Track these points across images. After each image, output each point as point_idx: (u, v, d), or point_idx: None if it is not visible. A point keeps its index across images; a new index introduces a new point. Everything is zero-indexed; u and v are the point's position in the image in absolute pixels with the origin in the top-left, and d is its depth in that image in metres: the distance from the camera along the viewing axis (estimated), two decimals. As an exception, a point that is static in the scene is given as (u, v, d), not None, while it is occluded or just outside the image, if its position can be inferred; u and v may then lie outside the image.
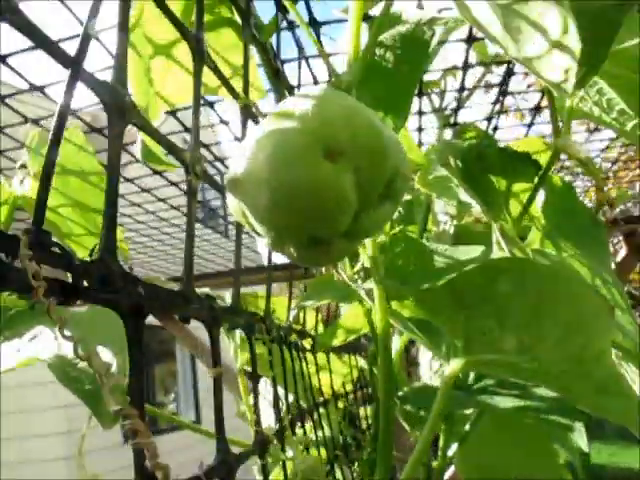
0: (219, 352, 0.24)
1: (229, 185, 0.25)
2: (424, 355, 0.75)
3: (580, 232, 0.66)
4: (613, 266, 2.19)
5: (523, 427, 0.70)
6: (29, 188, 0.72)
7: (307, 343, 0.55)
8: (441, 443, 0.65)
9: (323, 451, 0.56)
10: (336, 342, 0.53)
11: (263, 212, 0.23)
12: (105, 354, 0.52)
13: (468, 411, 0.68)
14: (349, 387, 0.78)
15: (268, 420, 0.66)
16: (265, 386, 0.77)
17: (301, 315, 0.51)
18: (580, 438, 0.52)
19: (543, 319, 0.22)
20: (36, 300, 0.14)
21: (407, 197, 0.77)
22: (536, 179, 0.57)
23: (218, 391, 0.24)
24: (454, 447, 0.65)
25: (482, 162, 0.55)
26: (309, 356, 0.59)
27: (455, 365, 0.28)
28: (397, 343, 0.69)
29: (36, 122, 0.73)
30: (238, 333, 0.57)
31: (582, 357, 0.22)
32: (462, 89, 0.76)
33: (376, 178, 0.24)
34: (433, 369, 0.73)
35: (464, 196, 0.64)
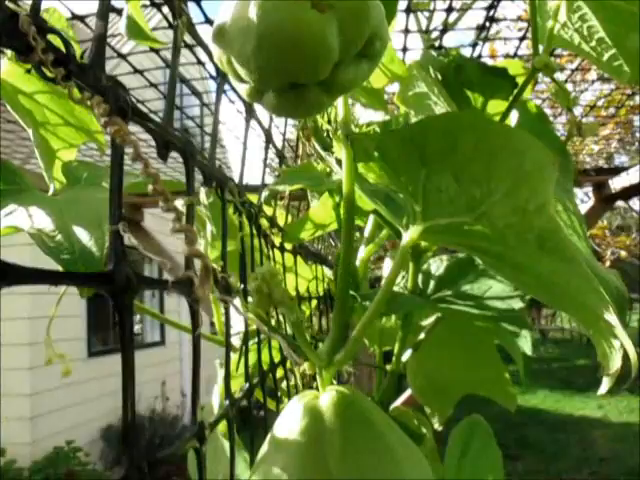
0: (193, 181, 0.26)
1: (216, 34, 0.26)
2: (387, 269, 0.77)
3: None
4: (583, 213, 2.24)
5: (474, 342, 0.74)
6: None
7: (276, 238, 0.57)
8: (396, 349, 0.68)
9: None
10: (305, 235, 0.54)
11: (248, 56, 0.24)
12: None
13: (425, 322, 0.71)
14: (313, 297, 0.81)
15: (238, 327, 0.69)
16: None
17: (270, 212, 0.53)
18: (525, 344, 0.56)
19: (494, 174, 0.24)
20: (38, 65, 0.16)
21: (385, 118, 0.78)
22: (511, 98, 0.58)
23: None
24: (408, 353, 0.69)
25: (460, 75, 0.56)
26: (277, 254, 0.61)
27: (413, 232, 0.30)
28: (363, 252, 0.72)
29: None
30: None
31: (526, 209, 0.24)
32: (450, 9, 0.76)
33: (357, 34, 0.25)
34: (397, 282, 0.75)
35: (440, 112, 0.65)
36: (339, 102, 0.34)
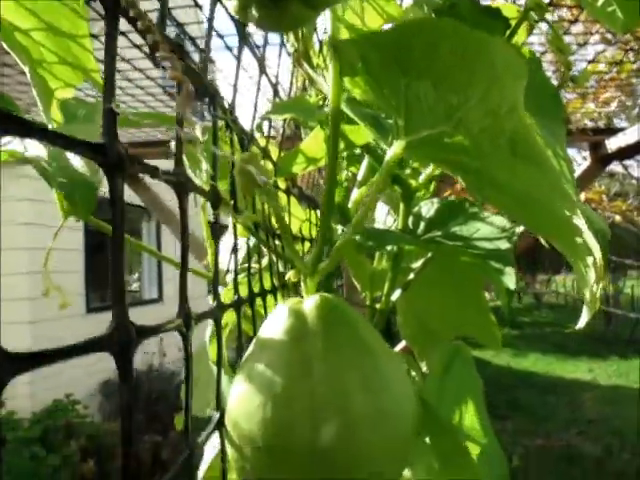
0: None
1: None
2: (380, 212, 0.79)
3: (540, 104, 0.68)
4: (579, 172, 2.27)
5: (462, 284, 0.76)
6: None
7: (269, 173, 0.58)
8: (385, 289, 0.70)
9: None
10: (297, 169, 0.55)
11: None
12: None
13: (415, 265, 0.73)
14: (306, 239, 0.82)
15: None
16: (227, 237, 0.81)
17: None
18: (509, 280, 0.58)
19: (471, 80, 0.25)
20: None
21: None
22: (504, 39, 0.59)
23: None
24: (397, 293, 0.70)
25: (454, 13, 0.56)
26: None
27: (397, 146, 0.31)
28: (355, 194, 0.73)
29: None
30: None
31: (497, 112, 0.25)
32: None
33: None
34: (387, 224, 0.77)
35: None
36: (328, 18, 0.35)
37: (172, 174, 0.24)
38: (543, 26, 0.72)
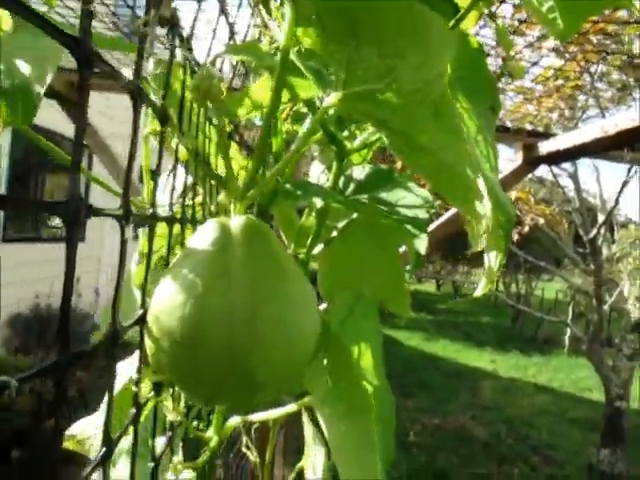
0: None
1: None
2: (315, 170, 0.83)
3: (477, 92, 0.74)
4: (509, 171, 2.40)
5: (381, 249, 0.81)
6: None
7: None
8: (309, 241, 0.74)
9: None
10: (242, 113, 0.58)
11: None
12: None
13: (340, 224, 0.77)
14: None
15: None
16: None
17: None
18: (421, 244, 0.63)
19: (411, 48, 0.29)
20: None
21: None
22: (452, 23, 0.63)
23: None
24: (320, 247, 0.75)
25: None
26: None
27: (334, 97, 0.34)
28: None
29: None
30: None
31: (429, 76, 0.29)
32: None
33: None
34: (320, 182, 0.81)
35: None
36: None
37: (129, 82, 0.27)
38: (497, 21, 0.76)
